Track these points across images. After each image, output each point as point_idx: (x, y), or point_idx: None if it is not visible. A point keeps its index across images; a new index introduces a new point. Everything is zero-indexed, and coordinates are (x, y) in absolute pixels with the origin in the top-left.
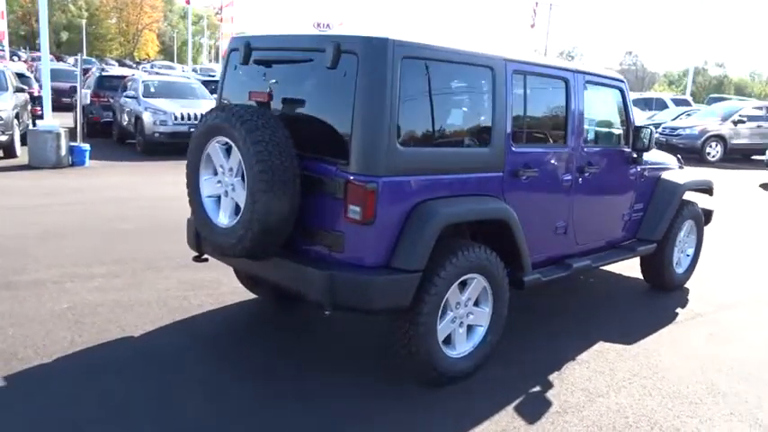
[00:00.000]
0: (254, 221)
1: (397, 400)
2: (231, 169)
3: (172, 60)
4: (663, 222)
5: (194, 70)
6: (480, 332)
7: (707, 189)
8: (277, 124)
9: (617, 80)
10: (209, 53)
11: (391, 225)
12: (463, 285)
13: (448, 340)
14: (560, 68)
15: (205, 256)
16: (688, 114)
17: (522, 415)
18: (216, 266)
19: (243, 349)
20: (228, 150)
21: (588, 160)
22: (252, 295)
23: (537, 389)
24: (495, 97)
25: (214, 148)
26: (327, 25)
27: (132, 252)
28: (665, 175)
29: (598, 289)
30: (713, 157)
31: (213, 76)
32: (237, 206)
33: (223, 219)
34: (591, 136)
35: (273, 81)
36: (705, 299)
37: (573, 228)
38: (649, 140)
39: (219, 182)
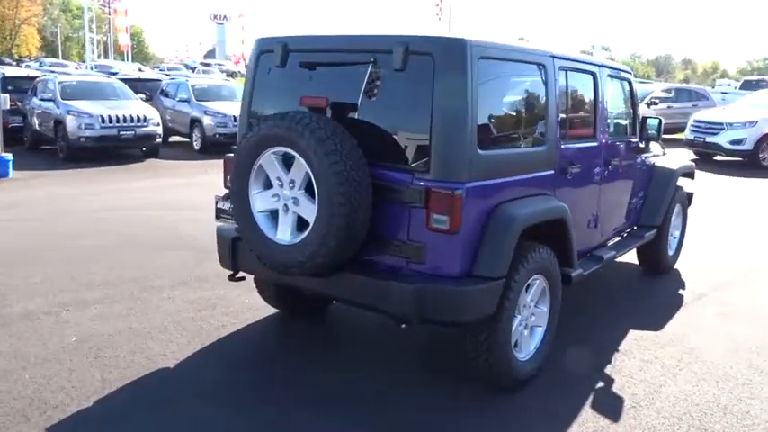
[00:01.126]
0: (330, 236)
1: (474, 409)
2: (293, 182)
3: (56, 57)
4: (662, 207)
5: (92, 68)
6: (540, 333)
7: (691, 173)
8: (344, 132)
9: (626, 71)
10: (96, 48)
11: (474, 232)
12: (527, 287)
13: (516, 344)
14: (590, 63)
15: (241, 274)
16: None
17: (602, 413)
18: (217, 283)
19: (292, 371)
20: (287, 162)
21: (612, 153)
22: (269, 310)
23: (600, 385)
24: (547, 95)
25: (269, 159)
26: (224, 17)
27: (113, 272)
28: (658, 162)
29: (593, 280)
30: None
31: (116, 74)
32: (301, 221)
33: (283, 235)
34: (611, 129)
35: (315, 84)
36: (699, 279)
37: (600, 220)
38: (659, 131)
39: (276, 196)
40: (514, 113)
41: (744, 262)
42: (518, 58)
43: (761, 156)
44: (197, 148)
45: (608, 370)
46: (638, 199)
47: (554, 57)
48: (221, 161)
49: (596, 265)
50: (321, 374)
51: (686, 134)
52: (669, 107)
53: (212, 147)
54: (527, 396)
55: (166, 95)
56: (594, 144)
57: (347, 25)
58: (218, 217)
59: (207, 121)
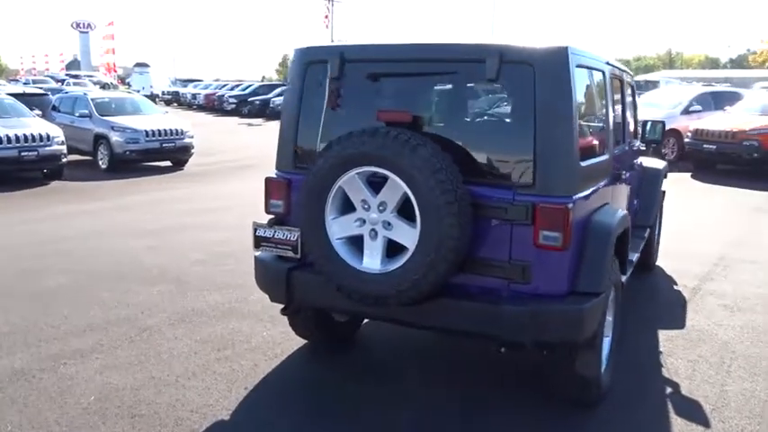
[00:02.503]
0: (440, 261)
1: (562, 428)
2: (383, 204)
3: None
4: (655, 207)
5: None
6: (608, 342)
7: (667, 173)
8: (439, 148)
9: (631, 75)
10: None
11: (576, 246)
12: None
13: None
14: (620, 68)
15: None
16: None
17: (688, 419)
18: (218, 317)
19: (359, 406)
20: (375, 183)
21: (631, 157)
22: (294, 342)
23: (669, 390)
24: (606, 102)
25: (353, 180)
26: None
27: (94, 314)
28: (645, 163)
29: None
30: None
31: None
32: (392, 246)
33: (372, 263)
34: (630, 133)
35: (384, 96)
36: (682, 273)
37: None
38: (662, 134)
39: (360, 220)
40: (592, 122)
41: (705, 251)
42: (594, 66)
43: (663, 150)
44: (104, 167)
45: (666, 374)
46: (636, 200)
47: (608, 63)
48: (143, 179)
49: (630, 267)
50: (389, 407)
51: None
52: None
53: (122, 165)
54: (605, 410)
55: (59, 111)
56: (626, 149)
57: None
58: (258, 246)
59: (115, 137)
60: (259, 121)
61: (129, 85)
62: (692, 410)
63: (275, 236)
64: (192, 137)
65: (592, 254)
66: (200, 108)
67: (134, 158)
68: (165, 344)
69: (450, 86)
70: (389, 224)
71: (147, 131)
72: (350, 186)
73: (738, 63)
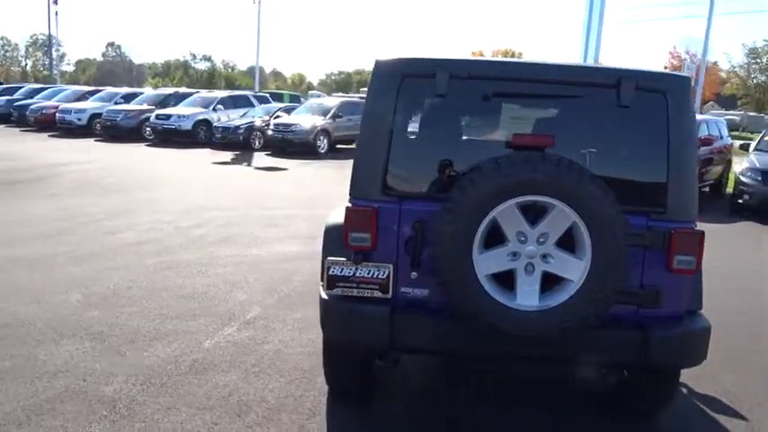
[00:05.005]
0: (609, 292)
1: None
2: (543, 235)
3: None
4: None
5: None
6: None
7: None
8: None
9: None
10: None
11: None
12: None
13: None
14: None
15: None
16: (286, 111)
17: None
18: (206, 374)
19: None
20: (533, 213)
21: None
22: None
23: (730, 395)
24: None
25: (510, 211)
26: None
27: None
28: None
29: None
30: (322, 149)
31: None
32: (550, 279)
33: (528, 299)
34: None
35: (500, 117)
36: None
37: None
38: None
39: (514, 254)
40: None
41: None
42: None
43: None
44: None
45: (714, 373)
46: None
47: None
48: None
49: None
50: None
51: None
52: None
53: None
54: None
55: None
56: None
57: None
58: (332, 287)
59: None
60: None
61: None
62: (762, 411)
63: (357, 274)
64: None
65: (698, 274)
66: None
67: None
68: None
69: (575, 110)
70: (549, 256)
71: None
72: (505, 217)
73: None
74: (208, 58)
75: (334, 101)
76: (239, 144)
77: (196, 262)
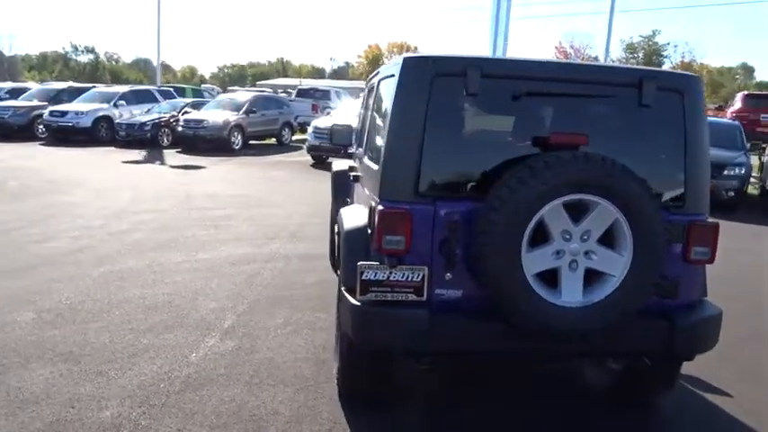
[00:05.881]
0: (648, 288)
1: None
2: (587, 233)
3: None
4: None
5: None
6: None
7: None
8: None
9: None
10: None
11: None
12: None
13: None
14: None
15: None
16: (194, 107)
17: None
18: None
19: None
20: (575, 211)
21: None
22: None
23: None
24: None
25: (557, 210)
26: None
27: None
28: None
29: None
30: (237, 145)
31: None
32: (590, 275)
33: (572, 296)
34: None
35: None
36: None
37: None
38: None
39: (559, 252)
40: None
41: None
42: None
43: None
44: None
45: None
46: None
47: None
48: None
49: None
50: None
51: (310, 140)
52: (263, 114)
53: None
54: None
55: None
56: None
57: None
58: (366, 292)
59: None
60: None
61: None
62: None
63: (392, 278)
64: None
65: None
66: None
67: None
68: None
69: (601, 109)
70: (592, 253)
71: None
72: (552, 216)
73: (341, 74)
74: (90, 50)
75: (246, 95)
76: (146, 142)
77: (146, 270)
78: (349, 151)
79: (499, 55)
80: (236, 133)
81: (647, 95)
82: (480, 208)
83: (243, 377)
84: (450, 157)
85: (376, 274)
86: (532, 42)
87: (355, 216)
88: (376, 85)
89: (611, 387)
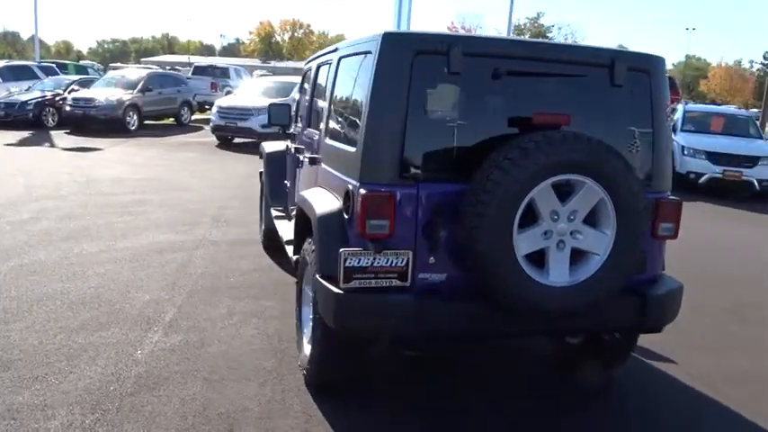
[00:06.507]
0: (631, 264)
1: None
2: (573, 213)
3: None
4: None
5: None
6: None
7: None
8: None
9: None
10: None
11: None
12: None
13: None
14: None
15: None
16: (82, 85)
17: None
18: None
19: None
20: (562, 191)
21: None
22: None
23: None
24: None
25: (546, 191)
26: None
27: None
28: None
29: None
30: (133, 125)
31: None
32: (576, 255)
33: (560, 276)
34: None
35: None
36: None
37: None
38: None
39: (548, 232)
40: None
41: None
42: None
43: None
44: None
45: None
46: None
47: None
48: None
49: None
50: None
51: (215, 120)
52: (160, 93)
53: None
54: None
55: None
56: None
57: None
58: (349, 280)
59: None
60: None
61: None
62: None
63: (376, 264)
64: None
65: None
66: None
67: None
68: None
69: (579, 89)
70: (578, 233)
71: None
72: (542, 197)
73: (232, 52)
74: None
75: (140, 73)
76: (28, 122)
77: (62, 262)
78: (288, 131)
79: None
80: (131, 113)
81: (619, 75)
82: (469, 189)
83: (200, 373)
84: (432, 138)
85: (360, 260)
86: (427, 22)
87: (324, 200)
88: (335, 61)
89: (567, 361)
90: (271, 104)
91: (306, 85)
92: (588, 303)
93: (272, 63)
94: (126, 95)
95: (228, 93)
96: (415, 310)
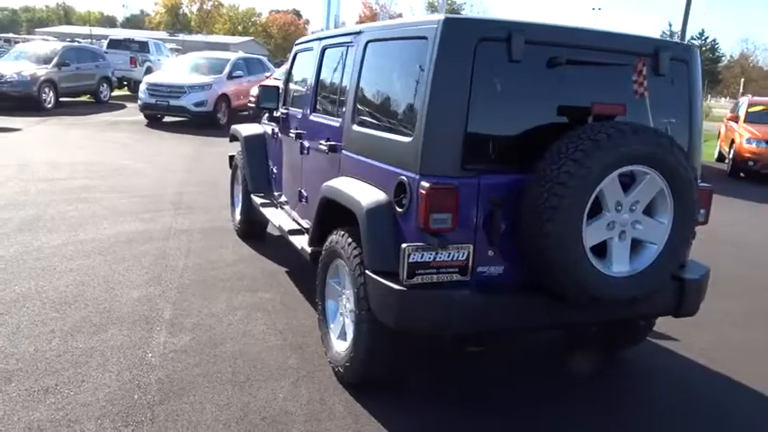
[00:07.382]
0: (684, 252)
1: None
2: (635, 204)
3: None
4: None
5: None
6: None
7: None
8: None
9: None
10: None
11: None
12: None
13: None
14: None
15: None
16: None
17: None
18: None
19: None
20: (623, 183)
21: None
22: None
23: None
24: None
25: (613, 182)
26: None
27: None
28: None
29: None
30: (49, 103)
31: None
32: (635, 245)
33: (622, 266)
34: None
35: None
36: None
37: None
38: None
39: (612, 223)
40: None
41: None
42: None
43: (218, 116)
44: None
45: None
46: None
47: None
48: None
49: None
50: None
51: (143, 98)
52: (78, 67)
53: None
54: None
55: None
56: None
57: None
58: (413, 276)
59: None
60: None
61: None
62: None
63: (438, 258)
64: None
65: None
66: None
67: None
68: None
69: (621, 78)
70: (638, 223)
71: None
72: (609, 188)
73: (135, 23)
74: None
75: (53, 45)
76: None
77: (24, 257)
78: (276, 114)
79: (334, 9)
80: (47, 89)
81: (663, 65)
82: (536, 181)
83: (224, 375)
84: (492, 128)
85: (423, 255)
86: None
87: (367, 192)
88: (361, 45)
89: (583, 344)
90: (261, 86)
91: (301, 69)
92: (648, 291)
93: (181, 36)
94: (40, 70)
95: (149, 68)
96: (479, 305)
